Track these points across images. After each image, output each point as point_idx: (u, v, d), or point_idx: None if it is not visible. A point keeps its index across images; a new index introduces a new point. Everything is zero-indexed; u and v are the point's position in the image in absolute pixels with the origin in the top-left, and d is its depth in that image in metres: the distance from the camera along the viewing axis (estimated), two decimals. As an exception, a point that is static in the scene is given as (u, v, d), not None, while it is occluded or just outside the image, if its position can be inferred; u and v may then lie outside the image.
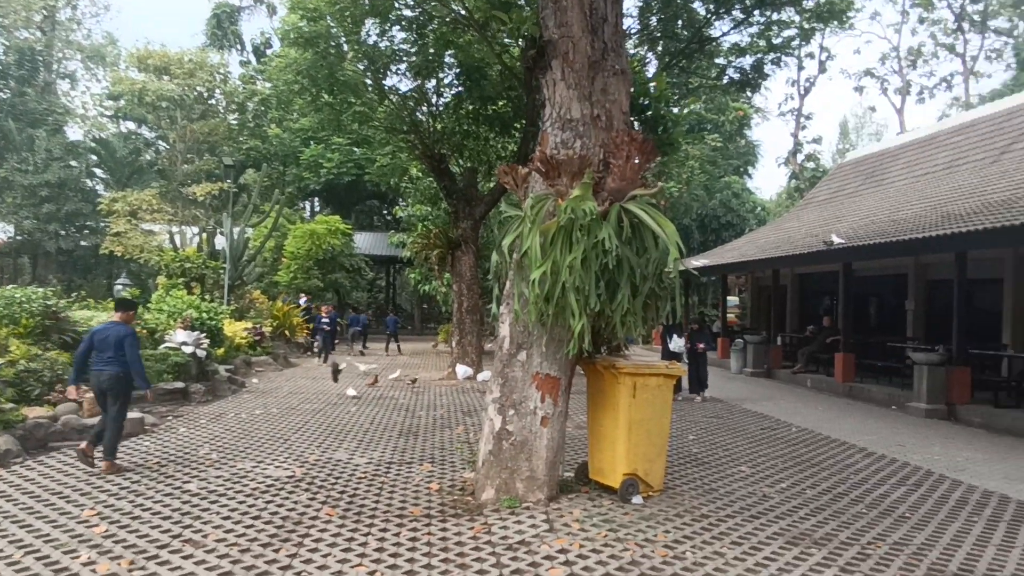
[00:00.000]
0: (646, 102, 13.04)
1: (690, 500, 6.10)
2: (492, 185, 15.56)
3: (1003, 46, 39.43)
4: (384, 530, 5.16)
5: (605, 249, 5.25)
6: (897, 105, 43.07)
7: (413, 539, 4.98)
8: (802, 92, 41.08)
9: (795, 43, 17.52)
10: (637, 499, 5.93)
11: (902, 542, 5.16)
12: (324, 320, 18.41)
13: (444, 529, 5.21)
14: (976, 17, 38.78)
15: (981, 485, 6.97)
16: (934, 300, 16.03)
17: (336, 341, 20.86)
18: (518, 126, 15.18)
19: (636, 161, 5.49)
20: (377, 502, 5.88)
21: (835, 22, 16.93)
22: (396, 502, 5.90)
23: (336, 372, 13.20)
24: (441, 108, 15.86)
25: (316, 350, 19.60)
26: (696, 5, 14.96)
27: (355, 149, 23.08)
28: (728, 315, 24.98)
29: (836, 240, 13.68)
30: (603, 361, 6.18)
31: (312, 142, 27.53)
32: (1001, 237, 10.20)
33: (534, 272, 5.34)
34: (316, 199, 36.94)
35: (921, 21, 40.69)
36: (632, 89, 6.53)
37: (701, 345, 12.85)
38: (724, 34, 15.88)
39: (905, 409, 12.01)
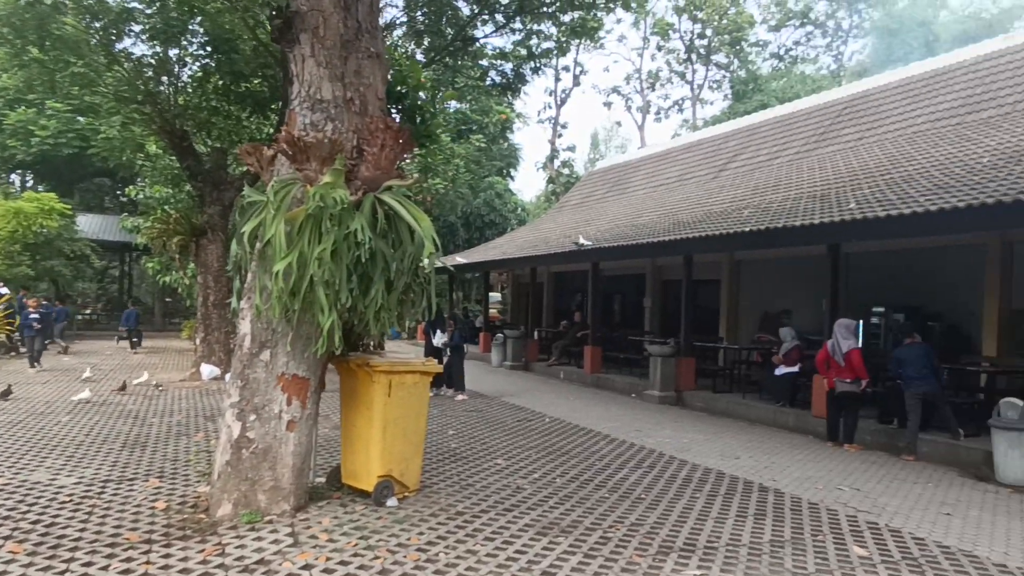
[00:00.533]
0: (404, 91, 12.91)
1: (446, 498, 6.04)
2: (245, 169, 14.36)
3: (722, 78, 45.77)
4: (88, 563, 4.36)
5: (358, 241, 4.95)
6: (639, 122, 47.89)
7: (126, 571, 4.27)
8: (558, 102, 44.05)
9: (552, 54, 18.62)
10: (392, 502, 5.72)
11: (638, 523, 5.55)
12: (33, 315, 15.67)
13: (168, 555, 4.54)
14: (702, 51, 44.53)
15: (702, 463, 7.84)
16: (668, 298, 18.02)
17: (48, 341, 17.95)
18: (275, 107, 14.19)
19: (391, 150, 5.27)
20: (83, 530, 4.98)
21: (587, 39, 18.28)
22: (109, 528, 5.05)
23: (6, 394, 10.76)
24: (186, 81, 14.28)
25: (25, 350, 16.67)
26: (461, 4, 15.19)
27: (79, 118, 20.02)
28: (491, 311, 25.91)
29: (583, 242, 14.70)
30: (357, 359, 5.87)
31: (19, 105, 23.39)
32: (719, 243, 11.69)
33: (278, 263, 4.89)
34: (28, 173, 31.57)
35: (659, 48, 45.76)
36: (390, 76, 6.29)
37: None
38: (487, 36, 16.35)
39: (643, 397, 13.27)
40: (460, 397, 12.57)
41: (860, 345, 9.54)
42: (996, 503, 6.49)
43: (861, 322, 13.15)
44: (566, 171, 43.10)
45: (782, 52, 45.19)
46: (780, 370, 11.23)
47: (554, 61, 34.33)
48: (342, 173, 5.21)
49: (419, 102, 13.26)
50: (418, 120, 13.02)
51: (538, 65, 17.74)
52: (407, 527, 5.20)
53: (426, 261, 5.41)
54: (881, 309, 12.94)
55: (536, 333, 20.35)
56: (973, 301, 10.98)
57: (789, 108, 19.98)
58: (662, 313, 18.25)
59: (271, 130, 14.40)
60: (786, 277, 14.81)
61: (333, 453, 7.40)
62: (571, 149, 44.85)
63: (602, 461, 7.81)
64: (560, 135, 44.55)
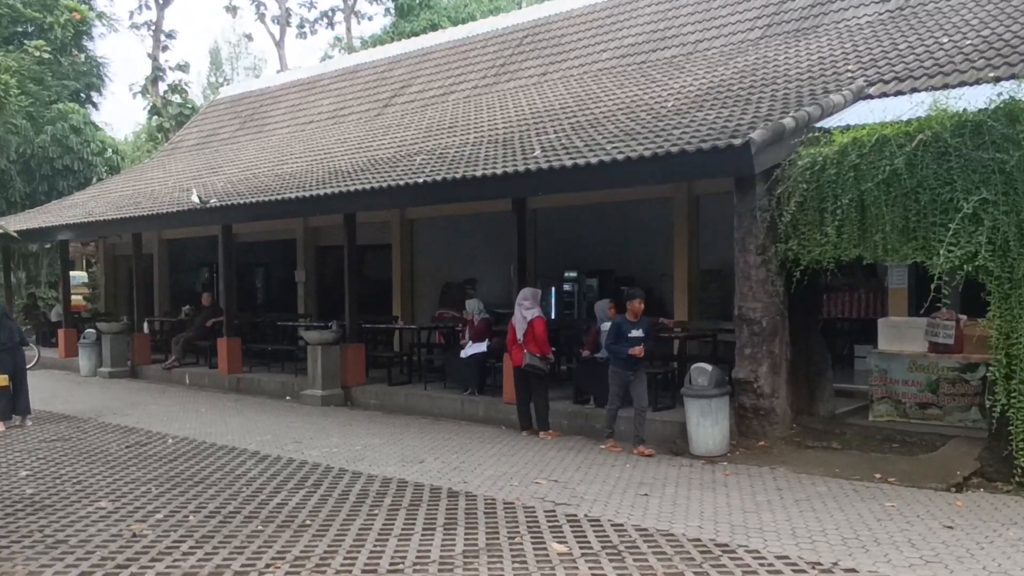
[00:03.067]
0: None
1: (24, 566, 5.52)
2: None
3: (382, -14, 46.70)
4: None
5: None
6: (276, 37, 46.86)
7: None
8: (160, 1, 41.03)
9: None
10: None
11: (303, 556, 5.68)
12: None
13: None
14: (354, -53, 44.99)
15: (380, 473, 8.23)
16: (327, 269, 18.15)
17: None
18: None
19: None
20: None
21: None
22: None
23: None
24: None
25: None
26: None
27: None
28: (74, 297, 23.54)
29: (204, 198, 14.09)
30: None
31: None
32: (388, 198, 12.13)
33: None
34: None
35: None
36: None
37: None
38: None
39: (301, 399, 13.36)
40: (26, 422, 11.40)
41: (542, 315, 10.58)
42: (691, 477, 7.87)
43: (553, 290, 14.73)
44: (177, 99, 40.49)
45: (454, -40, 47.68)
46: (467, 350, 12.12)
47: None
48: None
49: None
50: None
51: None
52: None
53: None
54: (574, 274, 14.60)
55: (146, 325, 19.13)
56: (667, 261, 12.97)
57: (465, 31, 21.38)
58: (320, 289, 18.41)
59: None
60: (470, 240, 15.89)
61: None
62: (183, 68, 41.85)
63: (251, 486, 7.77)
64: (166, 47, 41.59)
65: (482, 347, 12.11)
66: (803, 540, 5.83)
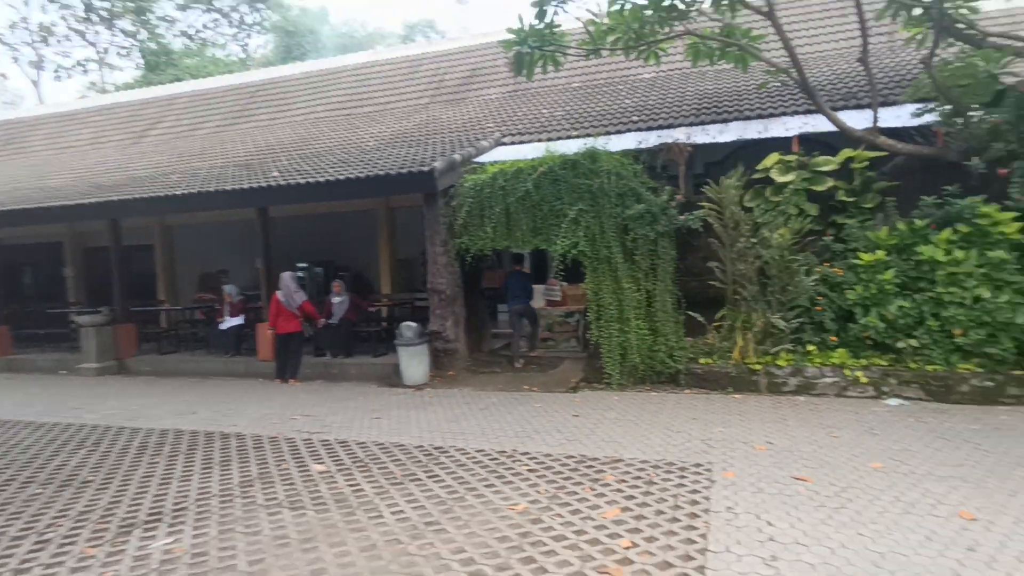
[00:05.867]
0: None
1: None
2: None
3: (131, 46, 39.41)
4: None
5: None
6: (35, 78, 37.56)
7: None
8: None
9: None
10: None
11: (89, 508, 4.32)
12: None
13: None
14: (104, 13, 37.34)
15: (157, 426, 6.68)
16: (93, 266, 14.80)
17: None
18: None
19: None
20: None
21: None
22: None
23: None
24: None
25: None
26: None
27: None
28: None
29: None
30: None
31: None
32: (150, 206, 10.04)
33: None
34: None
35: (52, 0, 36.35)
36: None
37: None
38: None
39: (78, 372, 10.63)
40: None
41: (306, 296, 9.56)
42: (407, 402, 7.41)
43: (300, 274, 13.40)
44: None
45: (192, 32, 41.58)
46: (227, 323, 10.50)
47: None
48: None
49: None
50: None
51: None
52: None
53: None
54: (305, 264, 13.37)
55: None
56: (373, 253, 12.29)
57: (207, 84, 18.50)
58: (89, 283, 14.96)
59: None
60: (220, 239, 13.86)
61: None
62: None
63: (28, 452, 5.89)
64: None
65: (240, 320, 10.56)
66: (491, 436, 5.66)
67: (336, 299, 9.61)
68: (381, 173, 8.42)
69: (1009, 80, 7.06)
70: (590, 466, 4.75)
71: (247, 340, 10.46)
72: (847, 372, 6.70)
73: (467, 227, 8.37)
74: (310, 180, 8.74)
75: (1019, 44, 6.91)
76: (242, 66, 34.07)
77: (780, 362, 7.00)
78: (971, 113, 7.12)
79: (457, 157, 8.76)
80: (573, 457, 4.97)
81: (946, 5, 6.95)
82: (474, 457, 5.08)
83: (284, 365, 9.06)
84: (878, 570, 3.02)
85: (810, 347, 7.07)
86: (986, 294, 6.28)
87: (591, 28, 7.91)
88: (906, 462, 4.54)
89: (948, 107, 7.26)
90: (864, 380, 6.61)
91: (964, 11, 7.26)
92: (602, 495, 4.15)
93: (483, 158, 9.34)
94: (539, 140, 9.93)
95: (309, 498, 4.35)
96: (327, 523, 3.89)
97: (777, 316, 7.10)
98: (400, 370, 8.26)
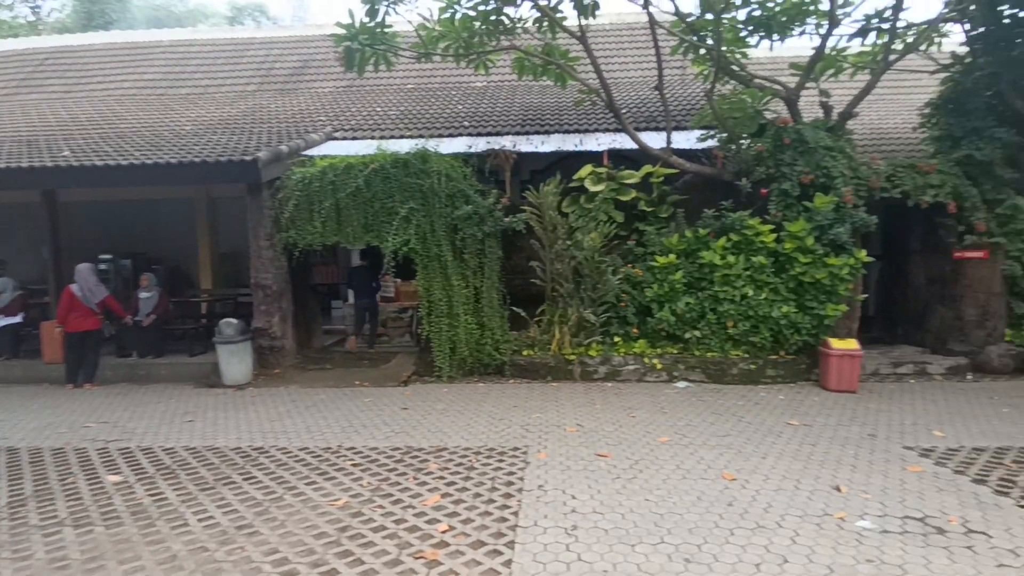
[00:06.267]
0: None
1: None
2: None
3: None
4: None
5: None
6: None
7: None
8: None
9: None
10: None
11: None
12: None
13: None
14: None
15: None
16: None
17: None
18: None
19: None
20: None
21: None
22: None
23: None
24: None
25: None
26: None
27: None
28: None
29: None
30: None
31: None
32: None
33: None
34: None
35: None
36: None
37: None
38: None
39: None
40: None
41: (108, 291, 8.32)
42: (226, 402, 6.81)
43: (103, 267, 11.70)
44: None
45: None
46: (0, 322, 8.82)
47: None
48: None
49: None
50: None
51: None
52: None
53: None
54: (109, 256, 11.68)
55: None
56: (192, 246, 11.09)
57: (-19, 46, 15.41)
58: None
59: None
60: (-3, 226, 11.64)
61: None
62: None
63: None
64: None
65: (17, 319, 8.92)
66: (316, 434, 5.41)
67: (144, 295, 8.53)
68: (197, 160, 7.65)
69: (770, 116, 8.30)
70: (415, 456, 4.74)
71: (28, 340, 8.90)
72: (646, 360, 7.43)
73: (295, 221, 7.90)
74: (110, 163, 7.67)
75: (777, 87, 8.15)
76: (31, 30, 29.01)
77: (592, 352, 7.55)
78: (741, 141, 8.25)
79: (284, 148, 8.24)
80: (399, 449, 4.93)
81: (724, 49, 7.98)
82: (296, 456, 4.82)
83: (77, 368, 7.83)
84: (658, 528, 3.39)
85: (616, 338, 7.72)
86: (751, 292, 7.32)
87: (422, 33, 7.89)
88: (687, 435, 5.15)
89: (724, 135, 8.35)
90: (659, 366, 7.37)
91: (738, 55, 8.40)
92: (425, 483, 4.16)
93: (313, 151, 8.87)
94: (372, 138, 9.68)
95: (98, 513, 3.82)
96: (119, 538, 3.45)
97: (589, 311, 7.64)
98: (220, 369, 7.57)
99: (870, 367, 7.58)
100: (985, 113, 8.12)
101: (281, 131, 9.72)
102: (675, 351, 7.58)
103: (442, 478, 4.25)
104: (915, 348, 8.43)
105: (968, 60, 8.42)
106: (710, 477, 4.16)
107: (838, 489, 3.93)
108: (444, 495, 3.94)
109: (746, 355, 7.41)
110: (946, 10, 7.99)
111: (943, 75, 8.77)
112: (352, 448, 4.96)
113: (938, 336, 8.23)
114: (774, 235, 7.41)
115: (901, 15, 7.67)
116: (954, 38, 8.77)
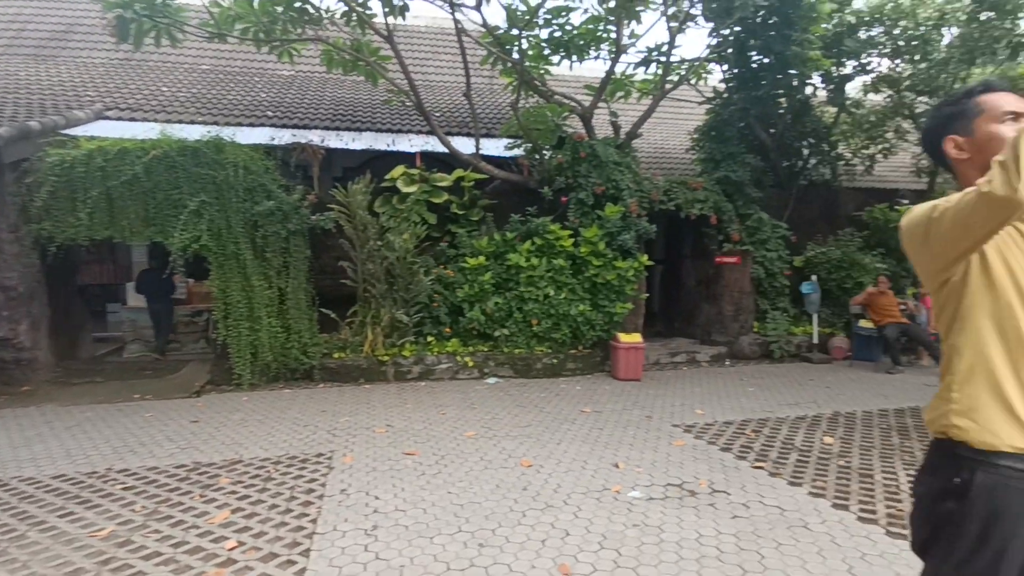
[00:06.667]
0: None
1: None
2: None
3: None
4: None
5: None
6: None
7: None
8: None
9: None
10: None
11: None
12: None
13: None
14: None
15: None
16: None
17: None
18: None
19: None
20: None
21: None
22: None
23: None
24: None
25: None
26: None
27: None
28: None
29: None
30: None
31: None
32: None
33: None
34: None
35: None
36: None
37: None
38: None
39: None
40: None
41: None
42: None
43: None
44: None
45: None
46: None
47: None
48: None
49: None
50: None
51: None
52: None
53: None
54: None
55: None
56: None
57: None
58: None
59: None
60: None
61: None
62: None
63: None
64: None
65: None
66: (78, 457, 4.65)
67: None
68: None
69: (569, 130, 9.01)
70: (204, 473, 4.31)
71: None
72: (458, 358, 7.60)
73: (50, 211, 6.72)
74: None
75: (575, 104, 8.87)
76: None
77: (405, 353, 7.52)
78: (544, 151, 8.85)
79: (36, 125, 7.00)
80: (185, 466, 4.44)
81: (528, 65, 8.50)
82: (48, 486, 4.10)
83: None
84: (456, 518, 3.49)
85: (430, 338, 7.79)
86: (552, 292, 7.88)
87: (215, 11, 7.23)
88: (492, 428, 5.37)
89: (529, 145, 8.88)
90: (471, 364, 7.59)
91: (542, 71, 8.99)
92: (213, 500, 3.81)
93: (77, 130, 7.64)
94: (156, 120, 8.62)
95: None
96: None
97: (401, 311, 7.61)
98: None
99: (652, 357, 8.60)
100: (738, 141, 9.68)
101: (32, 104, 8.26)
102: (486, 349, 7.87)
103: (234, 492, 3.93)
104: (688, 340, 9.74)
105: (725, 95, 9.97)
106: (510, 466, 4.40)
107: (616, 466, 4.39)
108: (235, 510, 3.65)
109: (549, 350, 7.95)
110: (707, 51, 9.38)
111: (707, 106, 10.28)
112: (124, 470, 4.36)
113: (705, 329, 9.61)
114: (572, 240, 8.06)
115: (675, 51, 8.85)
116: (717, 75, 10.35)
